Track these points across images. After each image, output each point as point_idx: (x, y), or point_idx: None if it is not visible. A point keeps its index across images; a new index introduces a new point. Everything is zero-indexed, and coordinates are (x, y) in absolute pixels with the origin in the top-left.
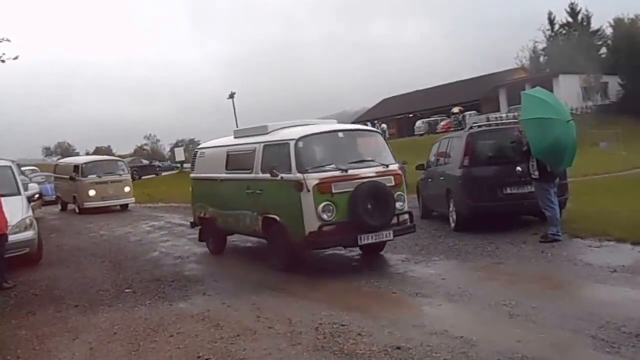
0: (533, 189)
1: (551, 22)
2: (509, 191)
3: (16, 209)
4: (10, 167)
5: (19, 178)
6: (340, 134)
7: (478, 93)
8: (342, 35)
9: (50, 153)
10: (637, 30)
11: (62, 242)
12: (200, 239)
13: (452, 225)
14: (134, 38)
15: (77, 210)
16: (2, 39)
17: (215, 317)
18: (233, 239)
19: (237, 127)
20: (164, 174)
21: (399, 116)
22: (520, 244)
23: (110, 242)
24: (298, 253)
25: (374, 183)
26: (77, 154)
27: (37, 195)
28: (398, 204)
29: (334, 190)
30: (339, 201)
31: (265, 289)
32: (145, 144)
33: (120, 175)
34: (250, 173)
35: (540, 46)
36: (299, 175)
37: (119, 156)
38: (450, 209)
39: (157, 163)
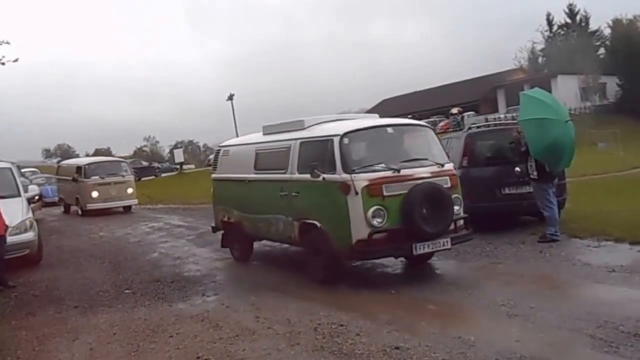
0: (532, 190)
1: (550, 22)
2: (507, 191)
3: (16, 211)
4: (10, 168)
5: (19, 180)
6: (390, 129)
7: (477, 94)
8: (342, 35)
9: (50, 155)
10: (636, 30)
11: (62, 244)
12: (223, 245)
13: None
14: (134, 38)
15: (79, 212)
16: (2, 42)
17: (215, 317)
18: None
19: (236, 128)
20: (163, 175)
21: (398, 117)
22: (518, 244)
23: (109, 244)
24: (340, 264)
25: (431, 185)
26: (77, 156)
27: (37, 197)
28: (455, 208)
29: (385, 193)
30: (390, 205)
31: (264, 290)
32: (145, 146)
33: (123, 176)
34: (284, 173)
35: (539, 47)
36: (345, 176)
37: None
38: None
39: (156, 164)
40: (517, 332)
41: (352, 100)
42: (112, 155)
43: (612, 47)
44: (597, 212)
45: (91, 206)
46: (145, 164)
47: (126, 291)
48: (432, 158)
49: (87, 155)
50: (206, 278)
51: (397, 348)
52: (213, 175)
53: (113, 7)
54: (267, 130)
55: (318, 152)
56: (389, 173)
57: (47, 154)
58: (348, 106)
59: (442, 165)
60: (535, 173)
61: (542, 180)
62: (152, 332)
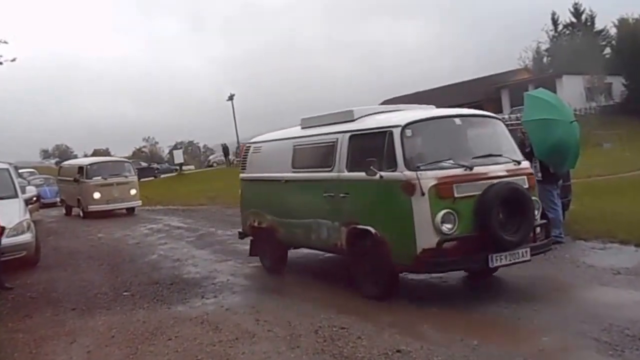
0: None
1: (555, 22)
2: None
3: (13, 212)
4: (7, 169)
5: (16, 181)
6: (457, 120)
7: (480, 94)
8: (342, 35)
9: (48, 155)
10: None
11: (59, 245)
12: (252, 253)
13: None
14: (133, 39)
15: (81, 214)
16: (0, 41)
17: (214, 320)
18: (231, 240)
19: (236, 129)
20: (162, 176)
21: None
22: None
23: (108, 245)
24: (397, 276)
25: (509, 185)
26: (76, 157)
27: (34, 198)
28: (535, 213)
29: (456, 194)
30: (462, 209)
31: (264, 292)
32: (144, 146)
33: (126, 177)
34: (330, 172)
35: (544, 47)
36: (409, 174)
37: None
38: None
39: (155, 165)
40: (521, 335)
41: (352, 100)
42: (111, 156)
43: (617, 47)
44: (602, 213)
45: (93, 208)
46: (144, 164)
47: (125, 293)
48: (506, 154)
49: (86, 156)
50: (205, 280)
51: (398, 351)
52: (241, 175)
53: (113, 7)
54: (307, 123)
55: (373, 147)
56: (459, 171)
57: (45, 154)
58: (348, 106)
59: (519, 163)
60: (539, 174)
61: (547, 182)
62: (151, 334)
